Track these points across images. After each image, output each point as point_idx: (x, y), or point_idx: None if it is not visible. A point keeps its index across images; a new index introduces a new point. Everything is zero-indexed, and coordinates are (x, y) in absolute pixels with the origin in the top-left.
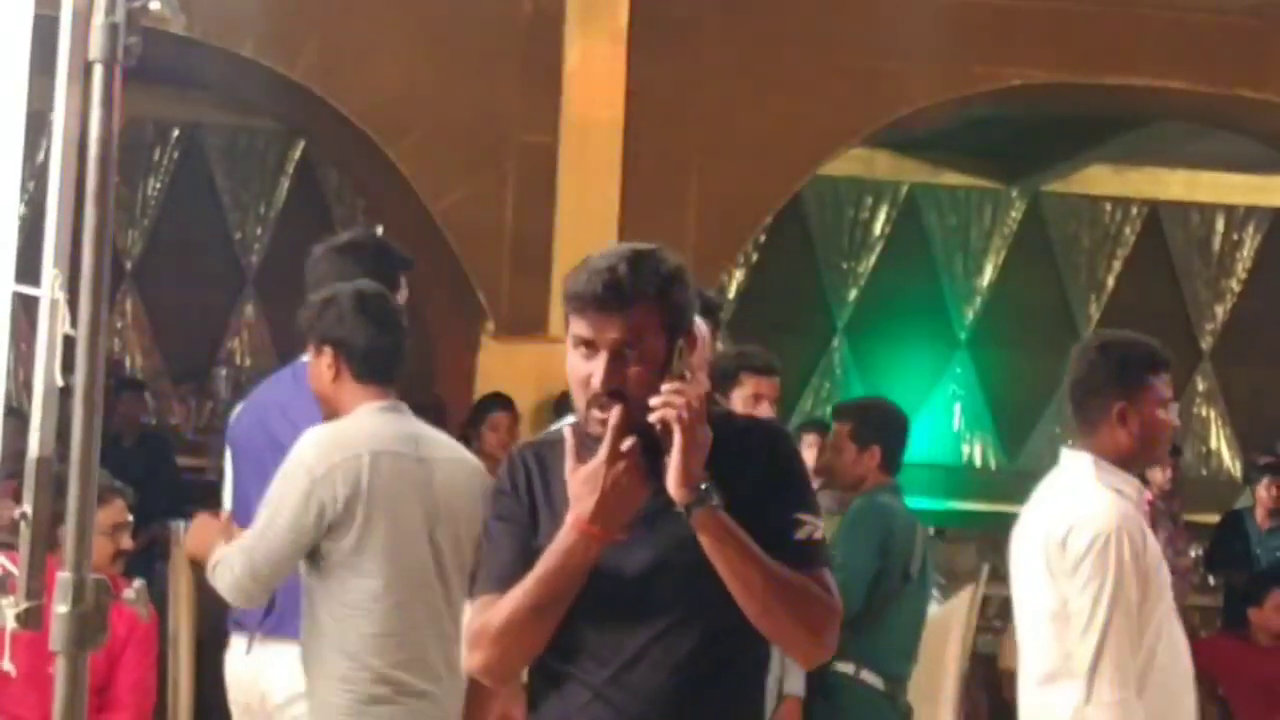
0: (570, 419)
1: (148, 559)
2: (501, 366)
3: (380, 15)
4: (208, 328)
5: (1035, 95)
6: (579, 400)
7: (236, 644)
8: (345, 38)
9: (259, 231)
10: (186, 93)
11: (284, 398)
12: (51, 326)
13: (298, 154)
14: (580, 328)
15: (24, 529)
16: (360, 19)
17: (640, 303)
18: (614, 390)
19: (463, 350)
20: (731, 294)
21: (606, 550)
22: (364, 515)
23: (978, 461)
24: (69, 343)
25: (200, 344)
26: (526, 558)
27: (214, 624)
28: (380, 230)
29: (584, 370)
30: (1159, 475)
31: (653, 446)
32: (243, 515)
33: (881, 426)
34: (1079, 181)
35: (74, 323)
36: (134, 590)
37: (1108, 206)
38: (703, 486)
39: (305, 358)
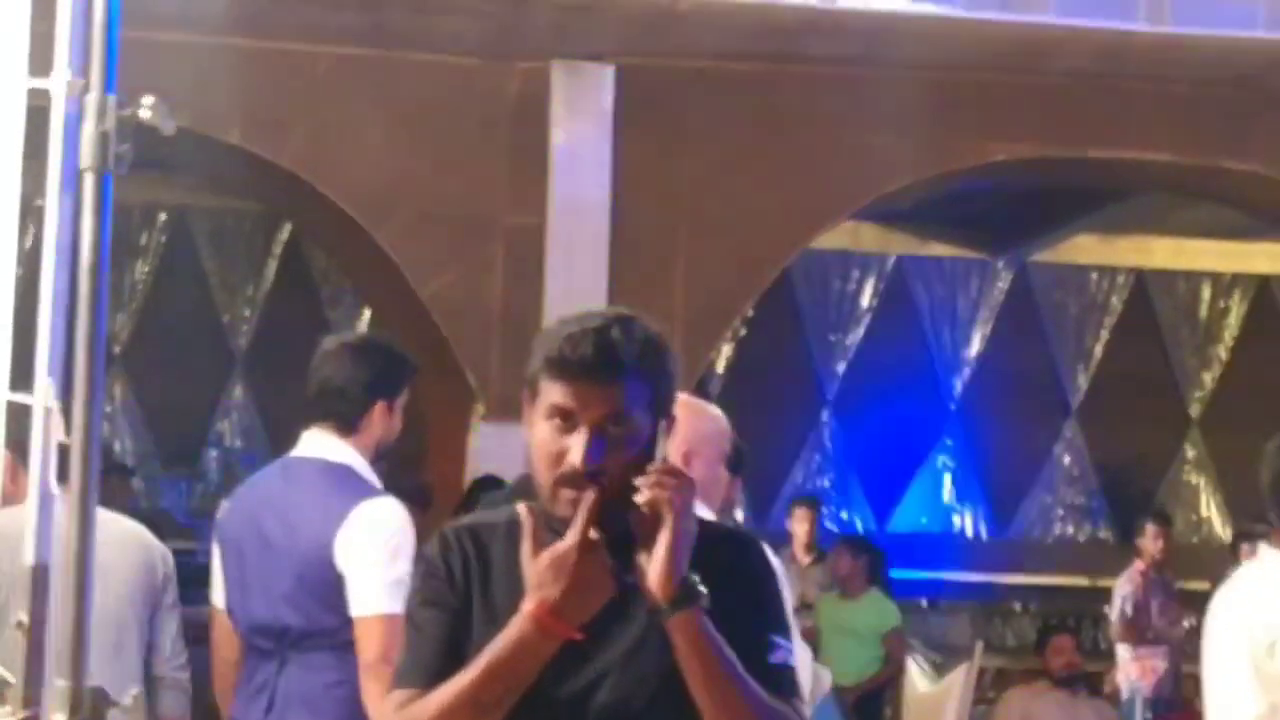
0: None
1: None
2: (493, 448)
3: (366, 101)
4: (197, 410)
5: (1019, 169)
6: (544, 476)
7: None
8: (331, 124)
9: (247, 313)
10: (172, 177)
11: (274, 494)
12: (45, 434)
13: (285, 235)
14: (558, 395)
15: (20, 638)
16: (346, 105)
17: (632, 374)
18: (593, 472)
19: (454, 432)
20: (720, 368)
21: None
22: None
23: (969, 531)
24: (63, 450)
25: (190, 426)
26: (456, 651)
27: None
28: (368, 314)
29: (556, 445)
30: (1149, 544)
31: (620, 537)
32: (239, 615)
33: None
34: (1065, 251)
35: (68, 430)
36: (131, 698)
37: (1094, 275)
38: (691, 582)
39: (296, 451)
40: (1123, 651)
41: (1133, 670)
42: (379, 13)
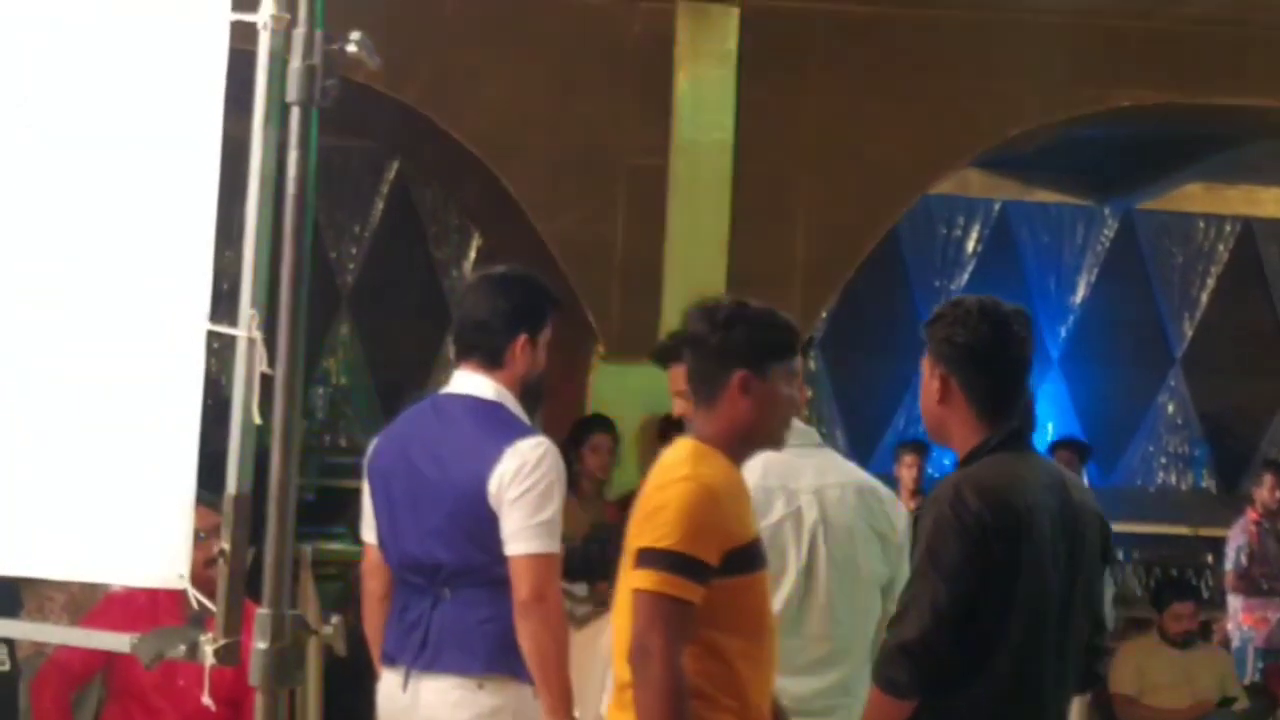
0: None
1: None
2: (611, 388)
3: (491, 40)
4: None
5: (1145, 116)
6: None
7: (389, 678)
8: (457, 63)
9: (354, 251)
10: None
11: (426, 431)
12: (249, 365)
13: (392, 174)
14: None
15: (222, 566)
16: (471, 44)
17: None
18: None
19: (573, 371)
20: (823, 313)
21: None
22: None
23: None
24: (266, 381)
25: None
26: None
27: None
28: (474, 254)
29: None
30: (1266, 494)
31: None
32: (390, 550)
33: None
34: (1173, 199)
35: (271, 362)
36: (332, 626)
37: (1201, 223)
38: None
39: (447, 389)
40: (1234, 601)
41: (1245, 620)
42: None
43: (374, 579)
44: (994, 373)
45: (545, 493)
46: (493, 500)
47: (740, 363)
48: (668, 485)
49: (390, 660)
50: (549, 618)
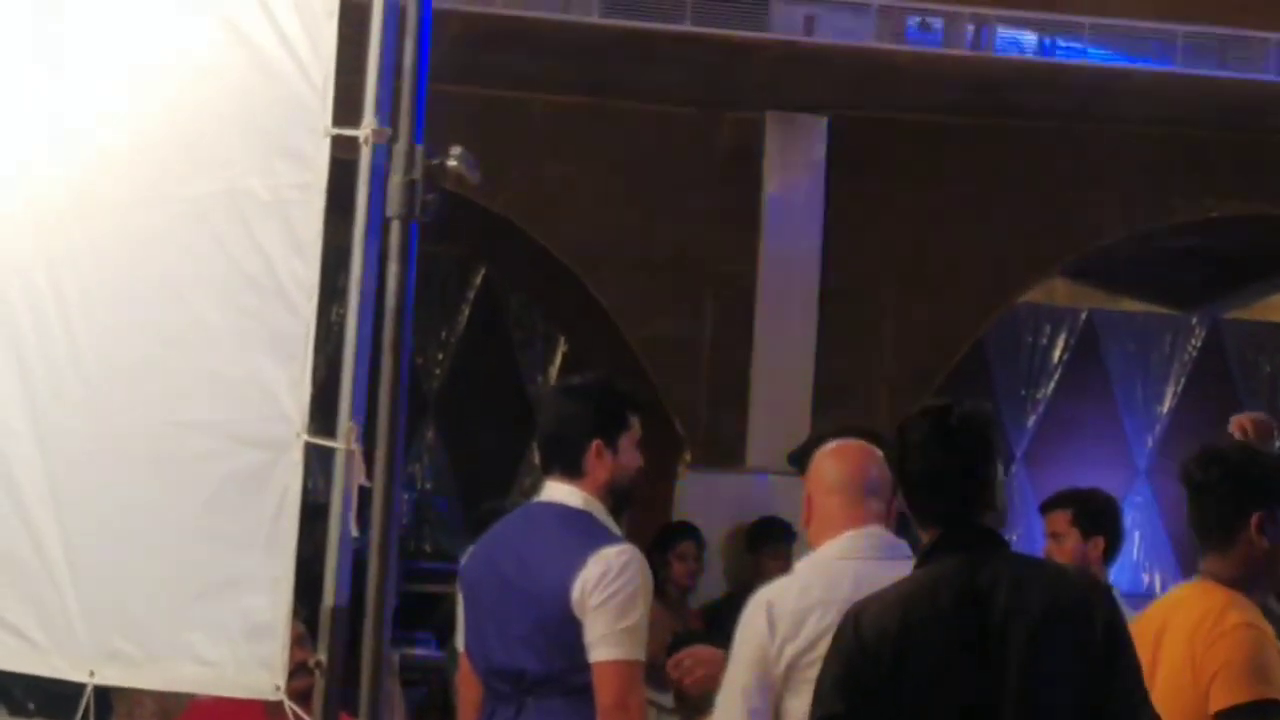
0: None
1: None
2: (697, 495)
3: (580, 149)
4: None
5: (1233, 227)
6: None
7: None
8: (545, 170)
9: (440, 356)
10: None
11: (514, 539)
12: (347, 477)
13: (479, 280)
14: None
15: (319, 677)
16: (561, 154)
17: None
18: None
19: (659, 479)
20: None
21: None
22: None
23: (1158, 590)
24: (364, 493)
25: None
26: None
27: None
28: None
29: None
30: None
31: None
32: (478, 658)
33: (1106, 515)
34: (1261, 309)
35: (370, 474)
36: None
37: None
38: None
39: (538, 498)
40: None
41: None
42: (597, 61)
43: (469, 687)
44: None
45: (629, 599)
46: (576, 607)
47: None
48: (1229, 633)
49: None
50: None
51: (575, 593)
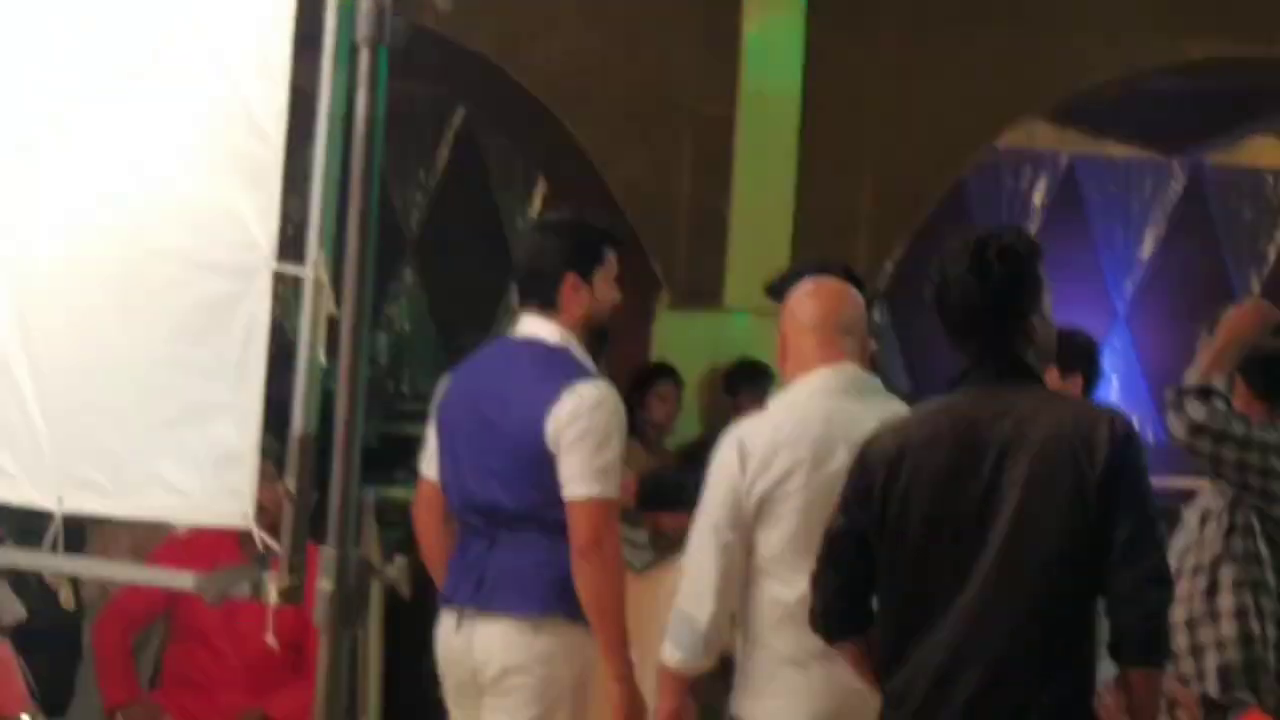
0: None
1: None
2: (675, 336)
3: None
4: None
5: (1217, 69)
6: None
7: (446, 619)
8: (526, 11)
9: (418, 197)
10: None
11: (492, 373)
12: (315, 306)
13: (457, 120)
14: None
15: (287, 506)
16: None
17: None
18: None
19: (637, 319)
20: (889, 265)
21: None
22: None
23: None
24: (332, 324)
25: None
26: None
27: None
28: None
29: None
30: None
31: None
32: (452, 491)
33: (1085, 353)
34: (1242, 153)
35: (338, 303)
36: (396, 567)
37: (1270, 179)
38: None
39: (513, 332)
40: None
41: None
42: None
43: (428, 511)
44: (942, 319)
45: (604, 436)
46: (550, 442)
47: None
48: None
49: (448, 601)
50: (606, 563)
51: (549, 427)
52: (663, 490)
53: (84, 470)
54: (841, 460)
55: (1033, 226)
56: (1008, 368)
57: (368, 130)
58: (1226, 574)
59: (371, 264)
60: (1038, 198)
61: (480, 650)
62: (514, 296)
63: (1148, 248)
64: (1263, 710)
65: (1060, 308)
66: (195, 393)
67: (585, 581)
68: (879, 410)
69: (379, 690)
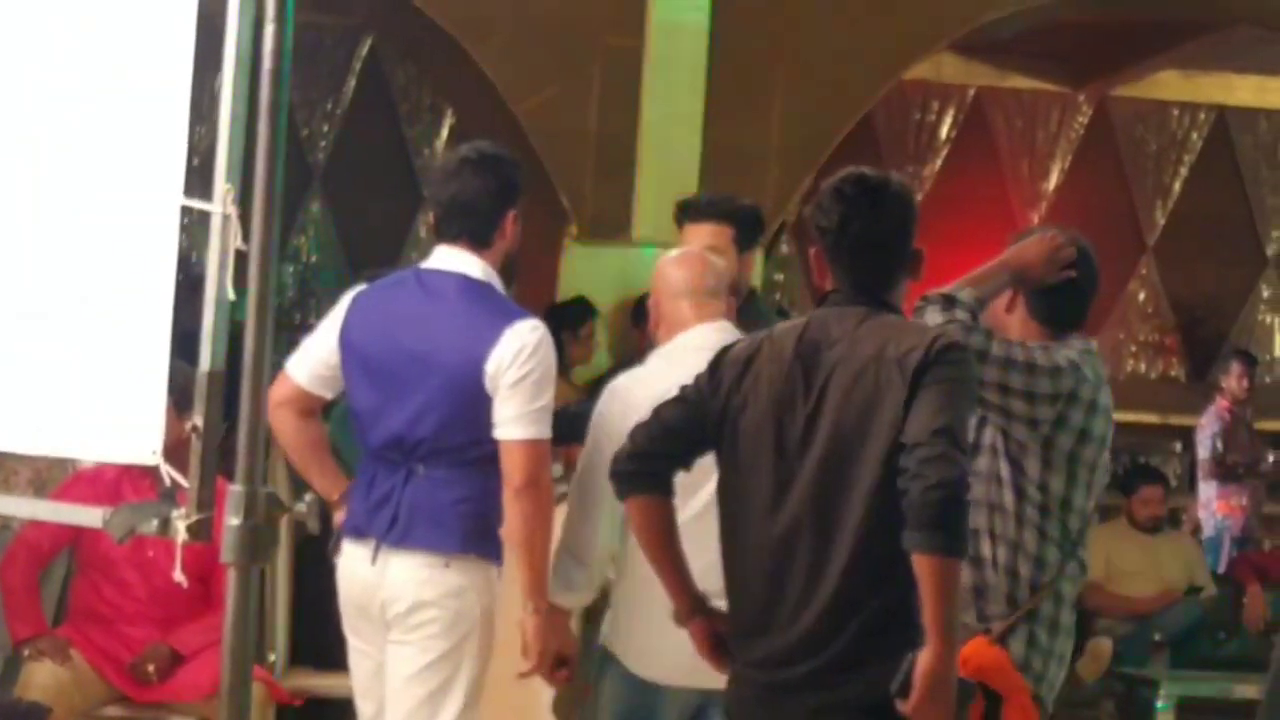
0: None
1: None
2: (583, 269)
3: None
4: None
5: (1123, 1)
6: None
7: (355, 551)
8: None
9: (325, 129)
10: None
11: (415, 307)
12: (224, 241)
13: (364, 51)
14: None
15: (195, 441)
16: None
17: None
18: None
19: (544, 252)
20: (797, 198)
21: None
22: None
23: None
24: (240, 257)
25: None
26: None
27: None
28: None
29: None
30: (1234, 383)
31: None
32: (366, 422)
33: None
34: (1147, 86)
35: (246, 237)
36: (305, 504)
37: (1175, 111)
38: None
39: (431, 264)
40: (1207, 489)
41: (1219, 509)
42: None
43: (287, 409)
44: (823, 241)
45: (543, 378)
46: (489, 382)
47: None
48: None
49: (358, 534)
50: (542, 502)
51: (490, 367)
52: (575, 423)
53: None
54: None
55: (940, 159)
56: (862, 297)
57: (275, 65)
58: None
59: (279, 197)
60: (944, 131)
61: (393, 584)
62: (434, 228)
63: (1054, 180)
64: (989, 636)
65: (966, 239)
66: (102, 329)
67: (521, 519)
68: None
69: (287, 625)
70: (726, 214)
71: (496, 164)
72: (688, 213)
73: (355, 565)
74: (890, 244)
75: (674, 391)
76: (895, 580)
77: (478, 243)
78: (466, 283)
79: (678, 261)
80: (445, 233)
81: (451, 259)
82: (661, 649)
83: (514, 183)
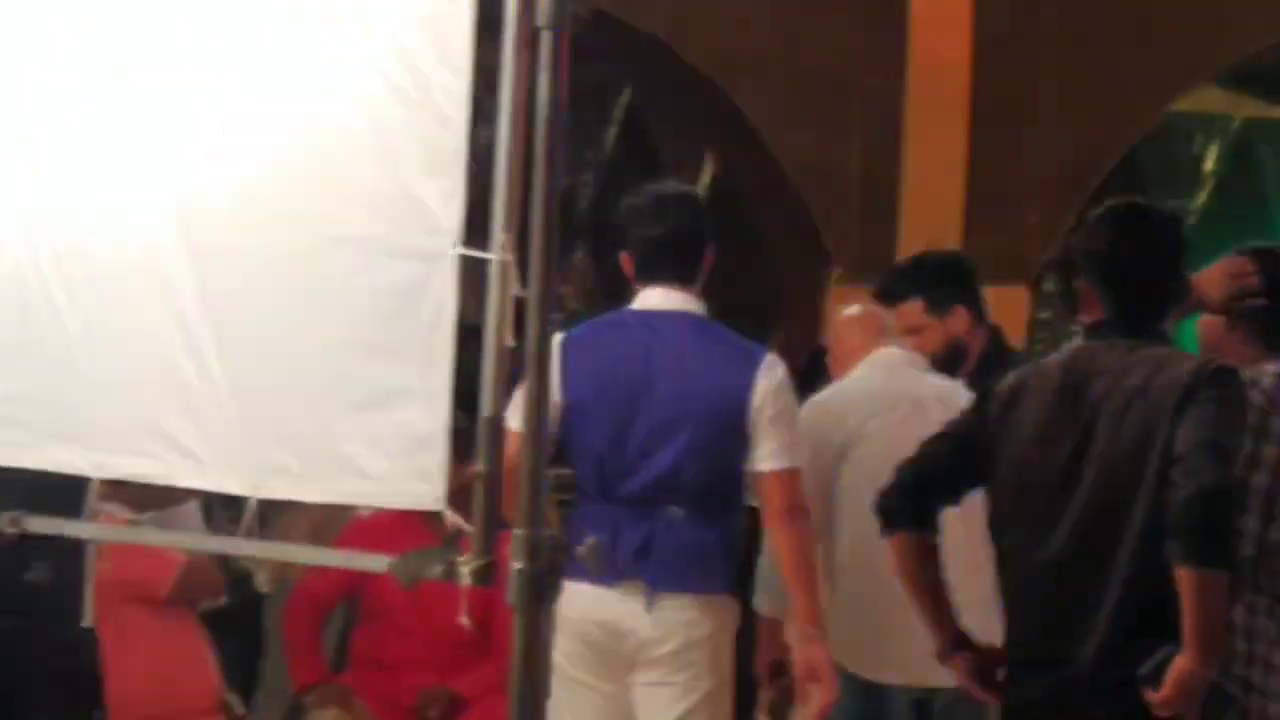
0: None
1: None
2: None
3: None
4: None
5: None
6: None
7: (599, 594)
8: None
9: (586, 178)
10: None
11: (651, 347)
12: (501, 288)
13: (624, 100)
14: None
15: (478, 487)
16: None
17: None
18: None
19: (806, 294)
20: (1061, 236)
21: None
22: None
23: None
24: (518, 304)
25: None
26: None
27: None
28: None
29: None
30: None
31: None
32: (611, 468)
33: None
34: None
35: (524, 283)
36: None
37: None
38: None
39: (646, 305)
40: None
41: None
42: None
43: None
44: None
45: (794, 407)
46: (753, 415)
47: None
48: None
49: (616, 578)
50: (807, 527)
51: (755, 401)
52: None
53: (276, 456)
54: (904, 409)
55: (1204, 193)
56: (1132, 326)
57: (552, 113)
58: None
59: (555, 245)
60: (1209, 163)
61: (661, 626)
62: (634, 268)
63: None
64: None
65: None
66: (383, 377)
67: (794, 545)
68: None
69: None
70: (904, 292)
71: (695, 202)
72: (880, 299)
73: (596, 607)
74: (1160, 271)
75: (861, 398)
76: (1171, 605)
77: (687, 280)
78: (696, 321)
79: (856, 321)
80: (654, 272)
81: (668, 299)
82: (889, 651)
83: (710, 220)
